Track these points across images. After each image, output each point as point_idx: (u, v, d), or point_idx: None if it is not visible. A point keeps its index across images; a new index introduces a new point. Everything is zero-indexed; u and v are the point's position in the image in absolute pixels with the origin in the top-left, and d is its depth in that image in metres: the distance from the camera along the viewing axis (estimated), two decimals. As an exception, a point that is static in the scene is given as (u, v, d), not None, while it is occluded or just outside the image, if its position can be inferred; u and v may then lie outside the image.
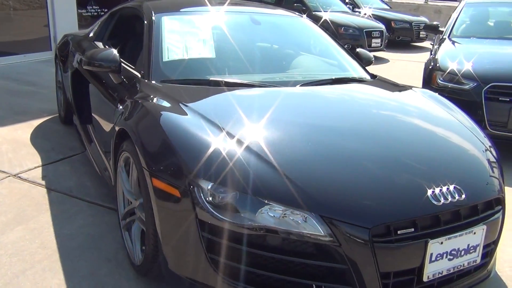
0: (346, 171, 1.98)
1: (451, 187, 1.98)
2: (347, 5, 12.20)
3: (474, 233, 1.98)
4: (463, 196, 1.97)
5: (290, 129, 2.27)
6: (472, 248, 1.99)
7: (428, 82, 4.78)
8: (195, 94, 2.58)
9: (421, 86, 4.92)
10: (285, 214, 1.81)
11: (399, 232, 1.82)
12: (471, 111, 3.83)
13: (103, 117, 3.13)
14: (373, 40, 10.00)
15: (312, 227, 1.79)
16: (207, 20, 3.35)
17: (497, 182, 2.23)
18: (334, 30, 9.87)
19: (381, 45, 10.17)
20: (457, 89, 4.37)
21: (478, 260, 2.04)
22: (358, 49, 3.67)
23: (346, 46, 9.18)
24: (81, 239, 2.68)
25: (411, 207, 1.88)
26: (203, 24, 3.32)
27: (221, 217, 1.84)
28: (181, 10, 3.46)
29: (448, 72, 4.51)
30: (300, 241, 1.80)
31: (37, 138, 4.28)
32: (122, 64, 2.93)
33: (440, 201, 1.91)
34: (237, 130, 2.13)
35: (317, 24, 3.74)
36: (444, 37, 5.56)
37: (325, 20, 9.91)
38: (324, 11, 10.45)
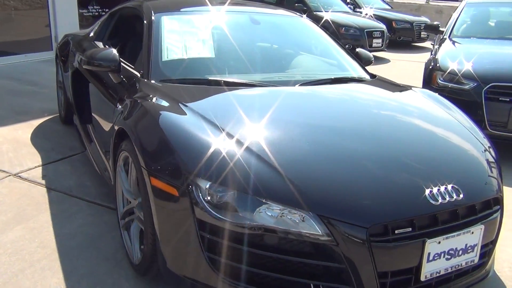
0: (344, 171, 1.99)
1: (449, 187, 1.98)
2: (348, 5, 12.20)
3: (472, 232, 1.98)
4: (461, 195, 1.97)
5: (288, 128, 2.27)
6: (470, 247, 1.99)
7: (428, 82, 4.77)
8: (194, 93, 2.58)
9: (421, 86, 4.92)
10: (283, 213, 1.81)
11: (396, 231, 1.82)
12: (471, 111, 3.83)
13: (103, 116, 3.14)
14: (374, 40, 10.00)
15: (310, 227, 1.79)
16: (207, 20, 3.35)
17: (496, 182, 2.23)
18: (335, 30, 9.87)
19: (382, 45, 10.16)
20: (457, 89, 4.36)
21: (476, 260, 2.04)
22: (357, 49, 3.68)
23: (347, 46, 9.20)
24: (81, 239, 2.69)
25: (408, 206, 1.88)
26: (202, 24, 3.33)
27: (219, 216, 1.85)
28: (180, 10, 3.47)
29: (448, 72, 4.50)
30: (297, 241, 1.81)
31: (37, 137, 4.29)
32: (122, 63, 2.94)
33: (438, 201, 1.91)
34: (235, 129, 2.13)
35: (317, 24, 3.75)
36: (444, 37, 5.56)
37: (326, 20, 9.91)
38: (325, 11, 10.45)
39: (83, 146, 3.76)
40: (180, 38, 3.13)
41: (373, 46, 9.93)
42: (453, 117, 2.71)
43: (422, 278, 1.89)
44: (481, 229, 2.00)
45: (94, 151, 3.38)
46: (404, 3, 15.55)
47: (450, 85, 4.43)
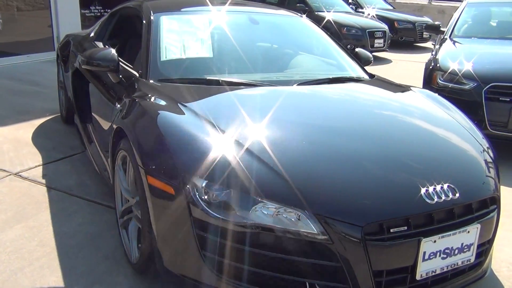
0: (339, 169, 1.99)
1: (445, 186, 1.98)
2: (350, 6, 12.19)
3: (468, 232, 1.98)
4: (457, 194, 1.98)
5: (285, 128, 2.28)
6: (466, 247, 2.00)
7: (429, 82, 4.77)
8: (192, 93, 2.59)
9: (421, 86, 4.91)
10: (278, 212, 1.82)
11: (392, 230, 1.83)
12: (472, 111, 3.83)
13: (102, 116, 3.15)
14: (376, 41, 9.99)
15: (305, 225, 1.80)
16: (206, 20, 3.36)
17: (493, 181, 2.23)
18: (337, 30, 9.87)
19: (384, 45, 10.15)
20: (457, 89, 4.36)
21: (472, 259, 2.04)
22: (357, 49, 3.68)
23: (348, 46, 9.26)
24: (80, 237, 2.70)
25: (404, 205, 1.89)
26: (201, 23, 3.34)
27: (215, 214, 1.86)
28: (180, 10, 3.48)
29: (448, 72, 4.50)
30: (293, 239, 1.81)
31: (38, 137, 4.31)
32: (121, 63, 2.95)
33: (434, 200, 1.91)
34: (233, 129, 2.14)
35: (316, 24, 3.75)
36: (445, 37, 5.55)
37: (328, 21, 9.91)
38: (327, 12, 10.45)
39: (83, 146, 3.78)
40: (179, 38, 3.15)
41: (375, 46, 9.93)
42: (452, 117, 2.71)
43: (418, 277, 1.90)
44: (477, 228, 2.00)
45: (94, 151, 3.40)
46: (406, 3, 15.54)
47: (450, 85, 4.42)
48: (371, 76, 3.27)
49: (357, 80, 3.14)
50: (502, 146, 4.19)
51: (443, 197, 1.94)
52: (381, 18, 11.48)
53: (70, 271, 2.40)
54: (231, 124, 2.19)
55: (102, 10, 8.84)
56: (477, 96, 4.20)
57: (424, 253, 1.87)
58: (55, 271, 2.39)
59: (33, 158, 3.81)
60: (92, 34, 4.20)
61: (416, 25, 11.78)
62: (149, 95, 2.53)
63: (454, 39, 5.41)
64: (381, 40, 10.07)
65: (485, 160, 2.35)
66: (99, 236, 2.73)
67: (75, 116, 4.09)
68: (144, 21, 3.14)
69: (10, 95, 5.61)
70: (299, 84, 2.84)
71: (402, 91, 3.07)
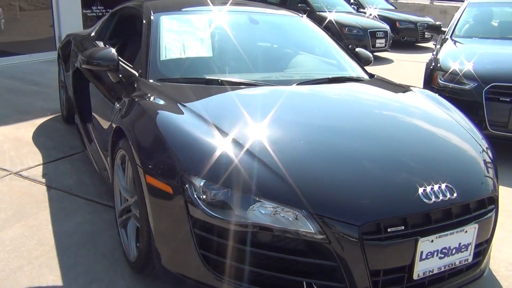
0: (337, 169, 1.99)
1: (443, 186, 1.98)
2: (352, 6, 12.19)
3: (466, 231, 1.98)
4: (455, 194, 1.97)
5: (284, 127, 2.28)
6: (463, 246, 1.99)
7: (429, 82, 4.77)
8: (192, 93, 2.60)
9: (422, 86, 4.91)
10: (276, 211, 1.82)
11: (389, 229, 1.83)
12: (472, 111, 3.83)
13: (102, 115, 3.16)
14: (378, 41, 9.99)
15: (302, 225, 1.80)
16: (205, 20, 3.36)
17: (491, 182, 2.23)
18: (339, 30, 9.87)
19: (386, 45, 10.15)
20: (457, 89, 4.35)
21: (470, 259, 2.04)
22: (357, 49, 3.68)
23: (350, 46, 9.25)
24: (79, 236, 2.71)
25: (401, 205, 1.89)
26: (201, 23, 3.34)
27: (213, 214, 1.86)
28: (180, 9, 3.49)
29: (449, 72, 4.50)
30: (290, 238, 1.81)
31: (39, 136, 4.32)
32: (121, 63, 2.96)
33: (431, 199, 1.91)
34: (231, 128, 2.14)
35: (317, 24, 3.75)
36: (446, 37, 5.54)
37: (330, 21, 9.91)
38: (329, 12, 10.45)
39: (83, 145, 3.79)
40: (179, 37, 3.15)
41: (376, 46, 9.92)
42: (451, 117, 2.71)
43: (415, 277, 1.90)
44: (475, 228, 2.00)
45: (94, 150, 3.41)
46: (408, 4, 15.52)
47: (451, 85, 4.42)
48: (371, 76, 3.27)
49: (357, 80, 3.14)
50: (502, 146, 4.19)
51: (441, 197, 1.94)
52: (383, 18, 11.47)
53: (68, 269, 2.41)
54: (230, 124, 2.19)
55: (104, 10, 8.86)
56: (477, 96, 4.20)
57: (421, 252, 1.87)
58: (54, 270, 2.40)
59: (33, 158, 3.82)
60: (92, 34, 4.21)
61: (418, 25, 11.76)
62: (149, 95, 2.53)
63: (455, 39, 5.41)
64: (383, 40, 10.06)
65: (484, 161, 2.35)
66: (98, 235, 2.73)
67: (76, 115, 4.10)
68: (144, 21, 3.15)
69: (11, 95, 5.63)
70: (298, 84, 2.84)
71: (402, 91, 3.07)
